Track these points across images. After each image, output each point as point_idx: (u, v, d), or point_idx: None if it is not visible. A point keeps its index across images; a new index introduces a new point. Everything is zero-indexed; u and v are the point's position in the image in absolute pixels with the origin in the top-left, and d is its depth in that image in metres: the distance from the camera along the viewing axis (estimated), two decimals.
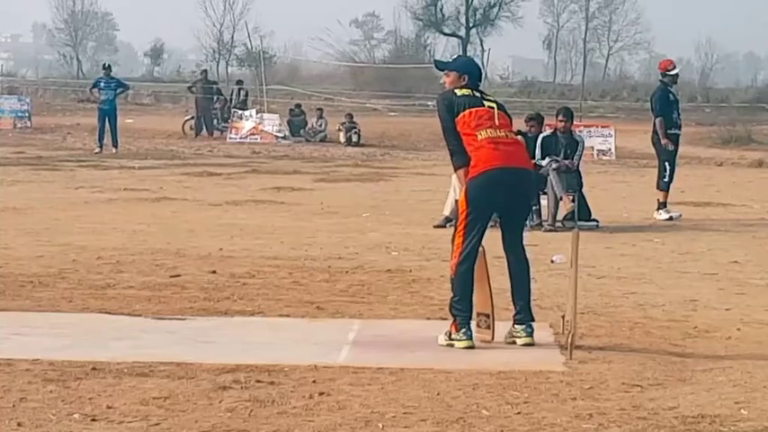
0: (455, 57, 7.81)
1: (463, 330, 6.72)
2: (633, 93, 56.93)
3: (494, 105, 7.05)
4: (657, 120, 14.47)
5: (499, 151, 6.84)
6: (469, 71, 7.17)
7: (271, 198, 16.05)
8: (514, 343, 6.82)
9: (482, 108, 6.96)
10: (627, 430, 5.11)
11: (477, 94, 7.05)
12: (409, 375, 6.02)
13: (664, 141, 14.37)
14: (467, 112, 6.91)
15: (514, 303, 6.92)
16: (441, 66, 7.43)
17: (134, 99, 49.81)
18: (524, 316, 6.86)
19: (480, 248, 6.83)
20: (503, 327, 6.90)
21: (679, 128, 14.63)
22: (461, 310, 6.75)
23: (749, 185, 19.87)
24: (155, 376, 5.90)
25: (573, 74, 79.05)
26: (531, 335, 6.82)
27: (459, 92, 7.01)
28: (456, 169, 7.01)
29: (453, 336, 6.75)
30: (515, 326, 6.86)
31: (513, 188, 6.86)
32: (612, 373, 6.13)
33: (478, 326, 6.85)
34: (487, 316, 6.86)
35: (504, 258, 6.97)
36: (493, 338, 6.84)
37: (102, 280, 8.92)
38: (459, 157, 6.95)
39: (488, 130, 6.87)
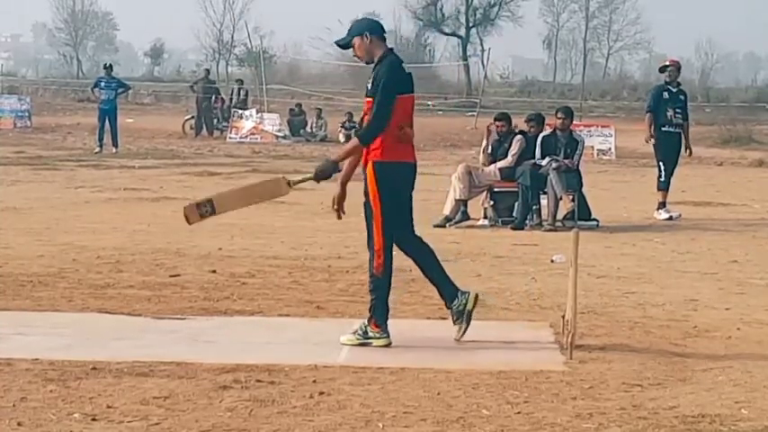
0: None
1: (384, 328, 6.77)
2: (633, 92, 56.94)
3: (412, 87, 6.97)
4: (647, 116, 14.60)
5: (410, 147, 6.89)
6: (370, 28, 6.95)
7: None
8: (466, 311, 6.84)
9: (411, 96, 6.89)
10: (627, 430, 5.11)
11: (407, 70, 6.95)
12: (409, 375, 6.03)
13: (645, 135, 14.51)
14: (406, 96, 6.84)
15: (441, 287, 6.99)
16: (343, 43, 7.08)
17: (134, 99, 49.84)
18: (453, 289, 6.96)
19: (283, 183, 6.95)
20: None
21: (675, 126, 14.61)
22: (384, 308, 6.81)
23: (749, 185, 19.88)
24: (155, 376, 5.90)
25: (573, 73, 79.07)
26: (467, 292, 6.92)
27: (404, 68, 6.91)
28: (360, 142, 6.79)
29: (372, 333, 6.76)
30: (453, 302, 6.90)
31: (414, 181, 6.96)
32: (612, 372, 6.13)
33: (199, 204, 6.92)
34: (211, 203, 6.97)
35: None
36: None
37: (102, 279, 8.92)
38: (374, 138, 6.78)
39: (406, 128, 6.86)
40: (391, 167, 6.77)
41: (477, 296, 6.96)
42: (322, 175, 6.85)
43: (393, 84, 6.79)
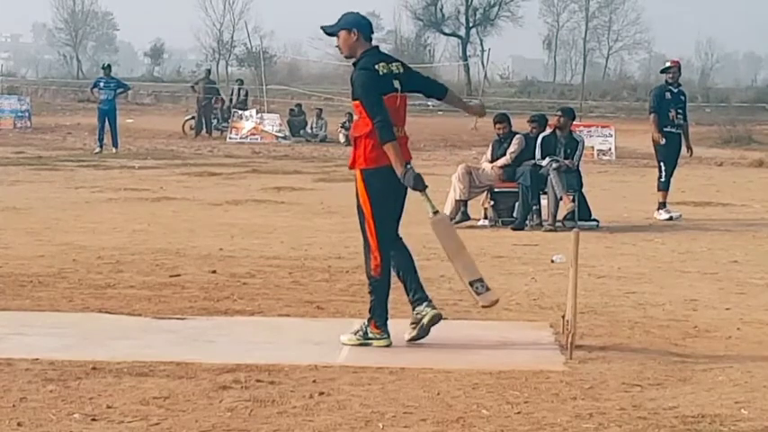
0: (340, 17, 7.02)
1: (384, 329, 6.78)
2: (633, 93, 56.98)
3: (399, 85, 6.83)
4: (651, 116, 14.56)
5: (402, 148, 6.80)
6: (359, 24, 6.87)
7: (271, 198, 16.06)
8: (421, 324, 6.80)
9: (393, 95, 6.78)
10: (627, 430, 5.11)
11: (388, 68, 6.81)
12: (409, 375, 6.03)
13: (654, 136, 14.47)
14: (386, 96, 6.73)
15: (409, 289, 6.92)
16: (329, 30, 7.01)
17: (134, 99, 49.87)
18: (422, 294, 6.89)
19: (443, 217, 6.81)
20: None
21: (676, 126, 14.60)
22: (384, 309, 6.81)
23: (749, 185, 19.87)
24: (155, 376, 5.90)
25: (573, 74, 79.05)
26: (434, 307, 6.86)
27: (379, 69, 6.76)
28: (387, 142, 6.62)
29: (372, 334, 6.77)
30: (417, 307, 6.86)
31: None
32: (612, 372, 6.13)
33: (477, 292, 6.84)
34: (481, 280, 6.87)
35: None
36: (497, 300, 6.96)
37: (103, 280, 8.92)
38: (391, 130, 6.68)
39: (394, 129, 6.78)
40: (377, 173, 6.71)
41: (438, 316, 6.84)
42: (415, 184, 6.68)
43: (368, 85, 6.70)
